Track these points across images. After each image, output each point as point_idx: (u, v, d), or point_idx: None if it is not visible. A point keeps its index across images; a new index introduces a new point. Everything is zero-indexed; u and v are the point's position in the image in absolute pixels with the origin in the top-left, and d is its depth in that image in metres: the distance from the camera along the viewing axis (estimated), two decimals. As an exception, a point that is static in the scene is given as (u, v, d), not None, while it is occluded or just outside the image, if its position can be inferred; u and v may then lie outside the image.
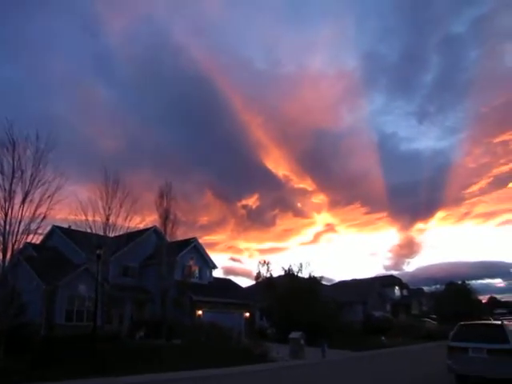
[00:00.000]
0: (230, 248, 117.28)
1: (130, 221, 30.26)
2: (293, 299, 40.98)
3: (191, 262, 39.06)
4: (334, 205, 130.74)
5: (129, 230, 31.38)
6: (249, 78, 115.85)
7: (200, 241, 41.76)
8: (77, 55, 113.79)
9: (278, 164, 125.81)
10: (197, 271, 39.82)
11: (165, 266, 33.69)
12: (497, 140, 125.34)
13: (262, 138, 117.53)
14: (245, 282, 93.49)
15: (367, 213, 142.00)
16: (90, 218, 28.70)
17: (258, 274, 52.06)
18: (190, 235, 41.26)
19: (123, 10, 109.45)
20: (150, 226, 37.66)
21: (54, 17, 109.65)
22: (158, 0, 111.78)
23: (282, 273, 49.56)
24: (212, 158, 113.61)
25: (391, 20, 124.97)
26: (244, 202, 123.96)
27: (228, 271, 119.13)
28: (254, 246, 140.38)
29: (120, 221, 29.78)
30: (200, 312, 34.63)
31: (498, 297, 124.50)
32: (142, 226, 34.35)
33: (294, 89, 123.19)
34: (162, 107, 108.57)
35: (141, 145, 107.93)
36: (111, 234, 29.26)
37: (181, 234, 36.20)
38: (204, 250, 41.39)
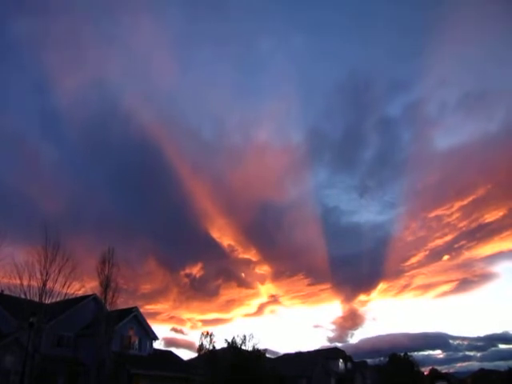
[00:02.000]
0: (172, 318, 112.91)
1: (68, 287, 29.03)
2: (236, 373, 39.78)
3: (131, 333, 37.37)
4: (278, 275, 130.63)
5: (67, 297, 29.86)
6: (196, 148, 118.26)
7: (141, 310, 40.46)
8: (24, 112, 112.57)
9: (223, 233, 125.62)
10: (136, 342, 38.01)
11: (102, 336, 32.04)
12: (431, 215, 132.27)
13: (207, 206, 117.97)
14: (187, 354, 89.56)
15: (311, 284, 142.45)
16: (26, 283, 27.29)
17: (201, 346, 50.03)
18: (130, 304, 39.93)
19: (75, 72, 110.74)
20: (89, 293, 36.12)
21: (3, 71, 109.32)
22: (110, 65, 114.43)
23: (226, 345, 48.10)
24: (157, 224, 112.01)
25: (334, 100, 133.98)
26: (188, 271, 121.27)
27: (169, 342, 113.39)
28: (197, 316, 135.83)
29: (58, 287, 28.53)
30: (138, 386, 32.76)
31: (439, 368, 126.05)
32: (80, 293, 32.91)
33: (241, 160, 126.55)
34: (108, 171, 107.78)
35: (85, 208, 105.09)
36: (47, 301, 27.81)
37: (121, 303, 34.98)
38: (145, 319, 39.85)
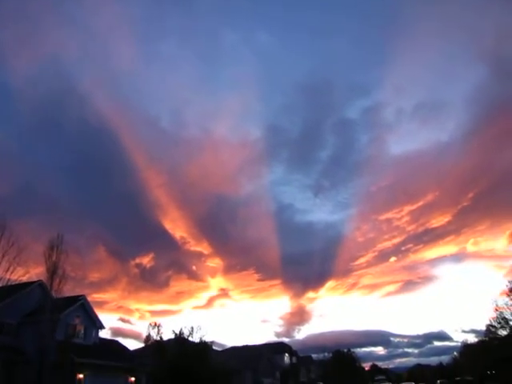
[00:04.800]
0: (120, 308, 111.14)
1: (12, 273, 28.07)
2: (182, 364, 39.87)
3: (77, 321, 36.58)
4: (228, 269, 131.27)
5: (10, 283, 28.85)
6: (153, 137, 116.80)
7: (89, 299, 39.50)
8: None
9: (175, 225, 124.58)
10: (82, 331, 37.23)
11: (46, 323, 31.19)
12: (382, 217, 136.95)
13: (161, 197, 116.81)
14: (134, 345, 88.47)
15: (261, 279, 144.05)
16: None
17: (148, 336, 49.78)
18: (78, 292, 38.91)
19: (29, 49, 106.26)
20: (34, 279, 35.02)
21: None
22: (69, 45, 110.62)
23: (173, 336, 48.08)
24: (109, 212, 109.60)
25: (294, 98, 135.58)
26: (138, 261, 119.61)
27: (116, 332, 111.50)
28: (146, 307, 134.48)
29: (1, 272, 27.53)
30: (81, 376, 32.10)
31: (379, 364, 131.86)
32: (25, 279, 31.87)
33: (198, 152, 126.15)
34: (60, 153, 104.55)
35: (34, 191, 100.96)
36: (-12, 286, 26.82)
37: (68, 291, 33.95)
38: (92, 308, 39.08)
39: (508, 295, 47.45)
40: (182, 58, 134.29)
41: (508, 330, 49.36)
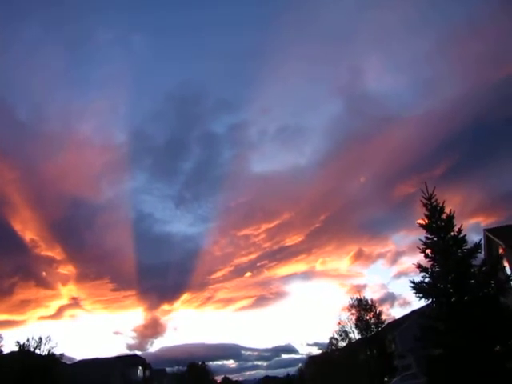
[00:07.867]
0: None
1: None
2: (25, 380, 36.25)
3: None
4: (81, 278, 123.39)
5: None
6: (7, 128, 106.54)
7: None
8: None
9: (25, 226, 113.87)
10: None
11: None
12: (240, 233, 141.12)
13: (12, 194, 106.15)
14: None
15: (115, 290, 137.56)
16: None
17: (-16, 349, 44.17)
18: None
19: None
20: None
21: None
22: None
23: (17, 348, 43.36)
24: None
25: (163, 106, 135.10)
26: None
27: None
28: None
29: None
30: None
31: (231, 376, 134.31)
32: None
33: (57, 150, 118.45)
34: None
35: None
36: None
37: None
38: None
39: (349, 310, 52.17)
40: (48, 48, 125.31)
41: (347, 342, 53.99)
